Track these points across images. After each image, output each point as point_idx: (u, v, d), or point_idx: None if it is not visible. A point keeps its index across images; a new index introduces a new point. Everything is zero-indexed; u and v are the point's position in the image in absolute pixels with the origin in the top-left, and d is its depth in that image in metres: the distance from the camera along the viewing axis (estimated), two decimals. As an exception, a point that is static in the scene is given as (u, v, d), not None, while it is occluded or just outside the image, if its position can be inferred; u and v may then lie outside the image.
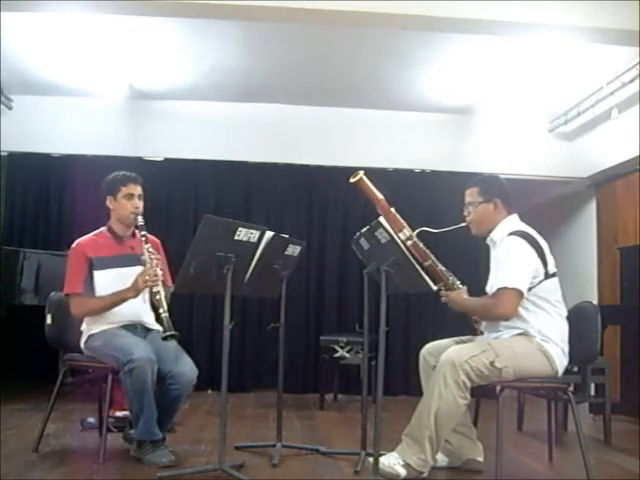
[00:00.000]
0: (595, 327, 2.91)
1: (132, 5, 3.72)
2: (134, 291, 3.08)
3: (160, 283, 3.02)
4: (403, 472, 2.74)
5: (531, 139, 6.16)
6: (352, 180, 3.09)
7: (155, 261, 3.07)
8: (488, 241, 3.08)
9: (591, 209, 6.43)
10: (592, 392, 4.16)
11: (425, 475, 2.78)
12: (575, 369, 2.98)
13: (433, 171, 6.14)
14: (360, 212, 5.89)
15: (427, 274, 2.88)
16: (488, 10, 3.70)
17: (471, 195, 3.07)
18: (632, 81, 4.80)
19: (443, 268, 3.03)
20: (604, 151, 5.69)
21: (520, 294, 2.78)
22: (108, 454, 2.99)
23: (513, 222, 3.00)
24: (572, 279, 5.21)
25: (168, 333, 2.87)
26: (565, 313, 2.93)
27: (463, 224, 3.12)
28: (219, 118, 6.00)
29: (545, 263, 2.87)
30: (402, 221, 3.02)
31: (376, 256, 2.80)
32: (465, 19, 3.72)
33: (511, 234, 2.89)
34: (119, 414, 3.70)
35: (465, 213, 3.11)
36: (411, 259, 2.75)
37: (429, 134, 6.13)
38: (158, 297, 3.01)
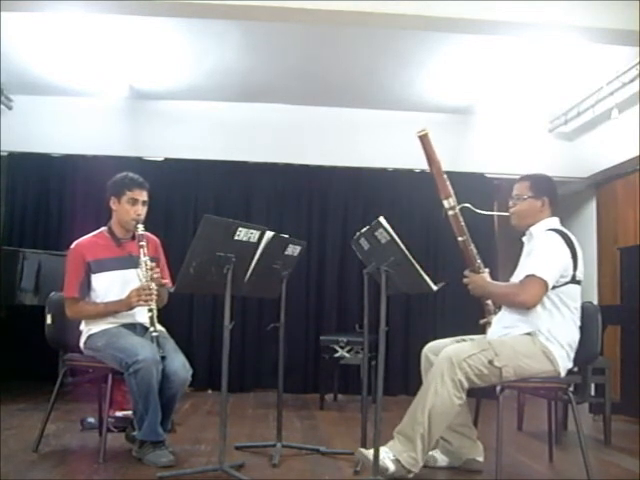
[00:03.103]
0: (595, 327, 2.92)
1: (132, 5, 3.72)
2: (126, 306, 3.12)
3: (154, 301, 3.07)
4: (392, 466, 2.70)
5: (531, 139, 6.16)
6: (418, 134, 3.05)
7: (151, 275, 3.10)
8: (525, 237, 3.08)
9: (591, 209, 6.43)
10: (592, 392, 4.15)
11: (413, 475, 2.73)
12: (575, 369, 2.98)
13: (433, 171, 6.12)
14: (360, 212, 5.90)
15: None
16: (488, 10, 3.70)
17: (520, 189, 3.08)
18: (632, 81, 4.80)
19: (474, 250, 3.03)
20: (604, 151, 5.69)
21: (546, 286, 2.78)
22: (108, 454, 2.99)
23: (554, 223, 3.02)
24: (572, 279, 5.19)
25: (162, 355, 2.97)
26: (579, 323, 2.92)
27: (506, 213, 3.12)
28: (219, 118, 6.00)
29: (576, 266, 2.88)
30: (450, 189, 3.01)
31: (376, 256, 2.80)
32: (465, 19, 3.72)
33: (550, 230, 2.92)
34: (119, 414, 3.70)
35: (510, 204, 3.11)
36: (411, 259, 2.75)
37: (429, 134, 6.12)
38: (150, 314, 3.06)
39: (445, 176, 3.03)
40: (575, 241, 2.93)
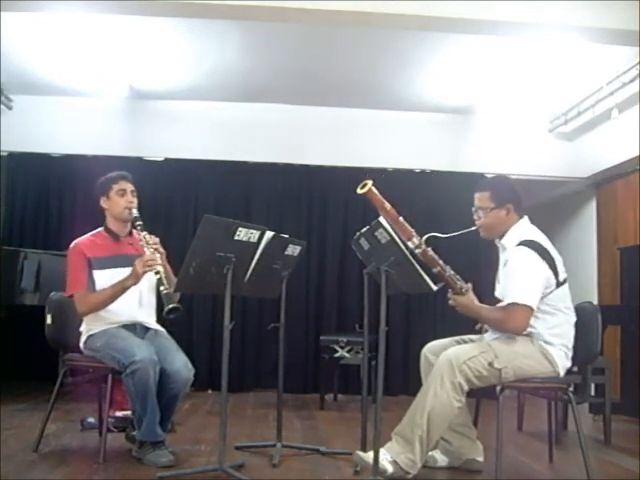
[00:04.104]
0: (595, 327, 2.92)
1: (132, 5, 3.72)
2: (134, 277, 3.05)
3: (159, 265, 3.00)
4: (390, 468, 2.69)
5: (531, 139, 6.16)
6: (360, 191, 2.91)
7: (153, 246, 3.07)
8: (497, 243, 3.04)
9: (591, 209, 6.44)
10: (592, 392, 4.15)
11: (411, 477, 2.73)
12: (575, 369, 2.98)
13: (433, 171, 6.14)
14: (360, 212, 5.89)
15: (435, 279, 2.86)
16: (488, 10, 3.70)
17: (482, 200, 2.98)
18: (632, 81, 4.80)
19: (452, 272, 2.94)
20: (604, 151, 5.69)
21: (531, 310, 2.75)
22: (108, 454, 2.99)
23: (524, 227, 2.96)
24: (572, 279, 5.21)
25: (170, 306, 2.84)
26: (574, 319, 2.90)
27: (473, 228, 3.03)
28: (219, 118, 6.00)
29: (556, 273, 2.83)
30: (411, 229, 2.91)
31: (376, 256, 2.79)
32: (465, 19, 3.72)
33: (522, 244, 2.83)
34: (119, 414, 3.70)
35: (475, 217, 3.03)
36: (411, 259, 2.74)
37: (429, 134, 6.13)
38: (159, 276, 2.97)
39: (401, 219, 2.89)
40: (549, 246, 2.87)
